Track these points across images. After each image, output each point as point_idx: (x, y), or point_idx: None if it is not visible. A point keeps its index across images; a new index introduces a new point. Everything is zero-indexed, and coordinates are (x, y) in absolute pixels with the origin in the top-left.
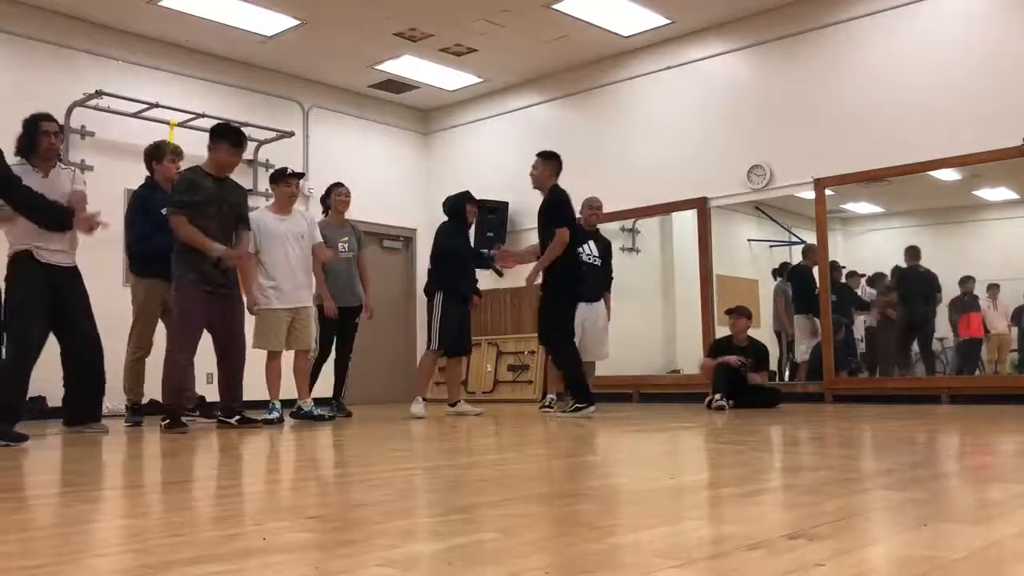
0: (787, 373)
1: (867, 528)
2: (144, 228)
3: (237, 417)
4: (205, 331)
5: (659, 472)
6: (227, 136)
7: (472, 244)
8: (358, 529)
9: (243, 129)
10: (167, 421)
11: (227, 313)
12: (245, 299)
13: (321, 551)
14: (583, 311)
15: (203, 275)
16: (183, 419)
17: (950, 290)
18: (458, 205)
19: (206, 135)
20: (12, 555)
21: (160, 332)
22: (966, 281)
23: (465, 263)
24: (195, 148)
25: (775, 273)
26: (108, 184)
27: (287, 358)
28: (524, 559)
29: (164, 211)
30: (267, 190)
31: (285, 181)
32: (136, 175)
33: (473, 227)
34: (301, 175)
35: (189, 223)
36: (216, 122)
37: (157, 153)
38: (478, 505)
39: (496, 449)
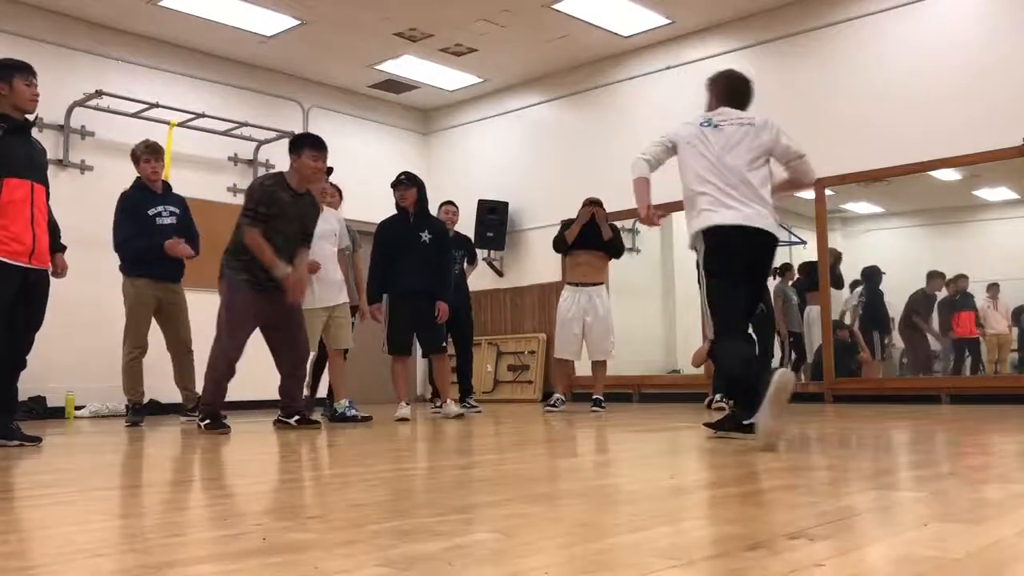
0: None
1: (867, 528)
2: (128, 230)
3: (297, 417)
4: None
5: (659, 472)
6: (307, 141)
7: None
8: (358, 529)
9: (243, 129)
10: (207, 422)
11: (284, 308)
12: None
13: (321, 551)
14: (582, 301)
15: (255, 277)
16: (185, 418)
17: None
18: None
19: (206, 135)
20: (12, 554)
21: (156, 332)
22: (957, 280)
23: (403, 258)
24: (196, 148)
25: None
26: (108, 184)
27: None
28: (524, 559)
29: (150, 212)
30: None
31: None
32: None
33: (473, 226)
34: (331, 170)
35: (261, 236)
36: (221, 122)
37: (134, 156)
38: (478, 505)
39: (496, 449)
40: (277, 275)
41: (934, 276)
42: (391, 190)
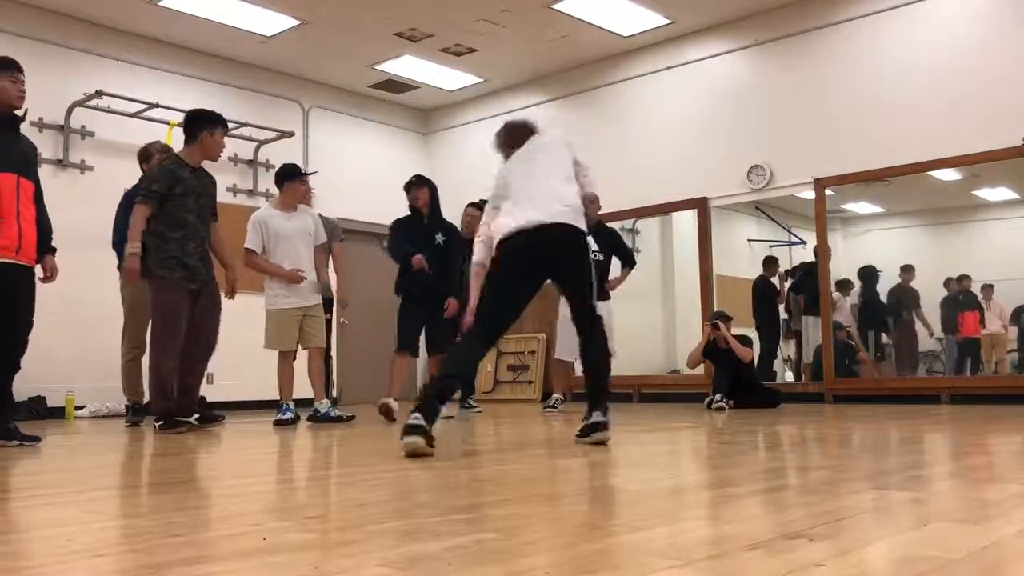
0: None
1: (867, 528)
2: (125, 229)
3: (196, 416)
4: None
5: (659, 472)
6: (220, 119)
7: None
8: (358, 529)
9: (243, 129)
10: (161, 422)
11: (204, 306)
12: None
13: (321, 551)
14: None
15: (189, 271)
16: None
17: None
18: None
19: None
20: (12, 555)
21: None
22: (961, 279)
23: (407, 258)
24: None
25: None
26: (108, 184)
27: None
28: (524, 559)
29: None
30: (267, 190)
31: (300, 179)
32: (136, 175)
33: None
34: (314, 173)
35: (152, 217)
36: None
37: (145, 155)
38: (478, 505)
39: (496, 449)
40: (129, 250)
41: (906, 269)
42: (403, 192)
